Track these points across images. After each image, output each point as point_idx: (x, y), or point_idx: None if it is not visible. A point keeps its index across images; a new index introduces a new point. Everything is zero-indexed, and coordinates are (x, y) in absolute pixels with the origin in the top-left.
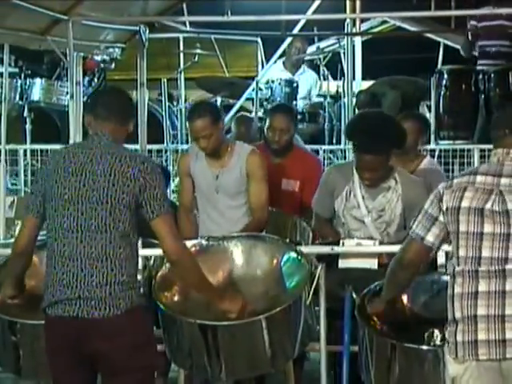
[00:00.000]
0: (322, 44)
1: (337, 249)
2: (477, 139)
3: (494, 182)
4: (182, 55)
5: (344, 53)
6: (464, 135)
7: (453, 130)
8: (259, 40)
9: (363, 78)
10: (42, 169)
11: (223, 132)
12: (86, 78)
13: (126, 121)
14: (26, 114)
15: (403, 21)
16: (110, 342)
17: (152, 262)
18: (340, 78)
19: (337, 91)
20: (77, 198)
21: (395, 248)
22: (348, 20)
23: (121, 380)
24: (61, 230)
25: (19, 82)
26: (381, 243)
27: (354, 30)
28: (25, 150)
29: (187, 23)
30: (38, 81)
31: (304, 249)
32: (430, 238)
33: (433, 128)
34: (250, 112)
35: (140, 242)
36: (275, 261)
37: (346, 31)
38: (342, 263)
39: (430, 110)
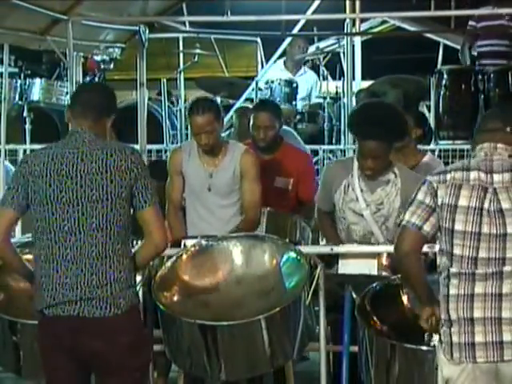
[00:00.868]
0: (322, 44)
1: (336, 249)
2: None
3: (488, 179)
4: (181, 55)
5: (344, 53)
6: (464, 135)
7: (452, 129)
8: (259, 40)
9: (363, 78)
10: (22, 166)
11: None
12: (87, 78)
13: (101, 117)
14: (25, 114)
15: (403, 21)
16: (109, 341)
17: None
18: (340, 78)
19: (336, 91)
20: (75, 200)
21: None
22: (348, 20)
23: (117, 379)
24: (61, 233)
25: (19, 82)
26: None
27: (353, 30)
28: (25, 150)
29: (187, 23)
30: (37, 81)
31: (303, 249)
32: (427, 227)
33: (433, 128)
34: None
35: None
36: (275, 261)
37: (345, 31)
38: (342, 267)
39: (429, 110)
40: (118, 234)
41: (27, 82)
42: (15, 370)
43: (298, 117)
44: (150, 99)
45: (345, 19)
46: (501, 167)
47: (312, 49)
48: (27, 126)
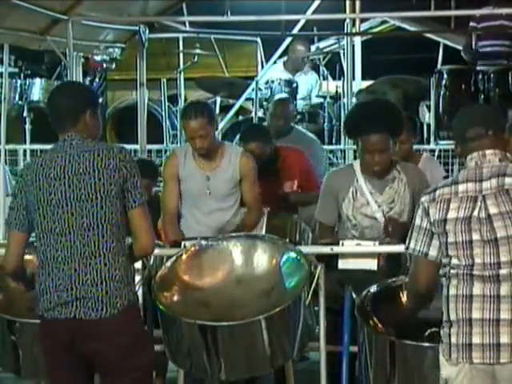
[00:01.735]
0: (322, 44)
1: (336, 249)
2: None
3: (476, 188)
4: (181, 55)
5: (344, 53)
6: None
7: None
8: (259, 40)
9: (363, 78)
10: (18, 182)
11: (216, 132)
12: (88, 78)
13: (77, 116)
14: (25, 114)
15: (403, 21)
16: (107, 342)
17: (151, 261)
18: (340, 78)
19: (336, 91)
20: (65, 201)
21: (394, 248)
22: (348, 20)
23: (118, 380)
24: (52, 236)
25: (19, 82)
26: (380, 243)
27: (353, 30)
28: (24, 150)
29: (187, 23)
30: (37, 81)
31: (303, 249)
32: (433, 252)
33: (433, 128)
34: (250, 112)
35: None
36: (274, 261)
37: (345, 31)
38: (342, 264)
39: (429, 110)
40: (111, 231)
41: (27, 82)
42: (14, 369)
43: (298, 117)
44: (150, 99)
45: (345, 19)
46: (489, 173)
47: (312, 49)
48: (27, 126)
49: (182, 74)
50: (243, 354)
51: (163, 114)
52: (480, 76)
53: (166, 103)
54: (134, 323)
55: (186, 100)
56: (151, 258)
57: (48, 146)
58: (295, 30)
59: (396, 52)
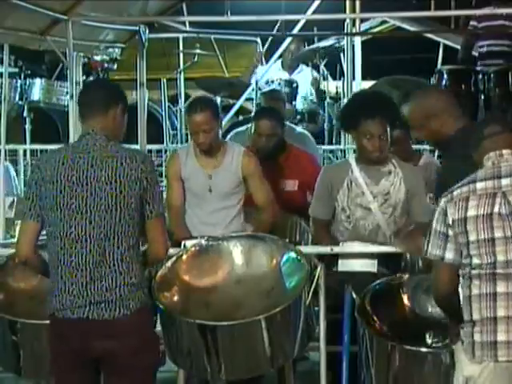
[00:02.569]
0: (322, 44)
1: (336, 249)
2: None
3: (495, 184)
4: (181, 55)
5: (344, 53)
6: None
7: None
8: (259, 40)
9: (363, 78)
10: (34, 173)
11: (220, 130)
12: (90, 78)
13: (108, 107)
14: (25, 114)
15: (403, 21)
16: (119, 341)
17: None
18: (340, 78)
19: (336, 91)
20: (84, 208)
21: (393, 249)
22: (348, 20)
23: (124, 379)
24: (67, 240)
25: (19, 82)
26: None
27: (353, 30)
28: (25, 150)
29: (187, 23)
30: (37, 81)
31: (304, 249)
32: (450, 255)
33: None
34: (250, 112)
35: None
36: (275, 261)
37: (345, 31)
38: (342, 266)
39: None
40: (127, 242)
41: (27, 82)
42: (15, 369)
43: (298, 117)
44: (150, 99)
45: (345, 19)
46: (508, 171)
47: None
48: (27, 126)
49: (182, 73)
50: (243, 354)
51: (163, 114)
52: (480, 76)
53: (166, 103)
54: (146, 324)
55: (187, 98)
56: None
57: (48, 146)
58: (295, 30)
59: (396, 52)
